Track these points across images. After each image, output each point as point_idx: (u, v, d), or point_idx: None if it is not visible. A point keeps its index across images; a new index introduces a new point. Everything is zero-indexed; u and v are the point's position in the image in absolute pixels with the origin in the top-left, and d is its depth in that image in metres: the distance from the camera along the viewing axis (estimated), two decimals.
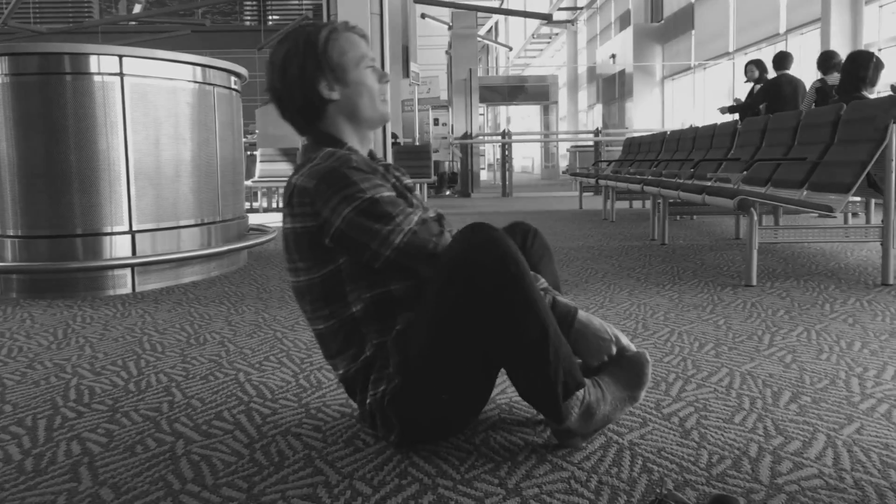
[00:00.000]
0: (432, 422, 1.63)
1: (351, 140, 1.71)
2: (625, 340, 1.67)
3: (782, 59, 8.09)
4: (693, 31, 19.37)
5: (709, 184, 4.89)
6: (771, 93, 8.03)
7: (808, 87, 7.84)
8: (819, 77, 7.17)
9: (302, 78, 1.66)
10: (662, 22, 21.80)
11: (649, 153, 8.41)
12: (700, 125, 8.20)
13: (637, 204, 9.40)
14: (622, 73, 23.26)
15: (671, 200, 5.38)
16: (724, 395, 1.97)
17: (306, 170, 1.61)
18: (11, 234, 3.70)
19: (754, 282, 3.64)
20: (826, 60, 7.11)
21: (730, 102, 9.68)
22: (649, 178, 6.24)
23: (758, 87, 8.53)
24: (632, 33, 22.15)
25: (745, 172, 4.71)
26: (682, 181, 5.30)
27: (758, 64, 8.68)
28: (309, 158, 1.66)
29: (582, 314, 1.64)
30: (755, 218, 3.61)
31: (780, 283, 3.70)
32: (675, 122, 19.84)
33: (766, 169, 4.62)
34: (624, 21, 23.82)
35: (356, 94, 1.69)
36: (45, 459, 1.63)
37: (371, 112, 1.72)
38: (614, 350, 1.65)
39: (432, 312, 1.52)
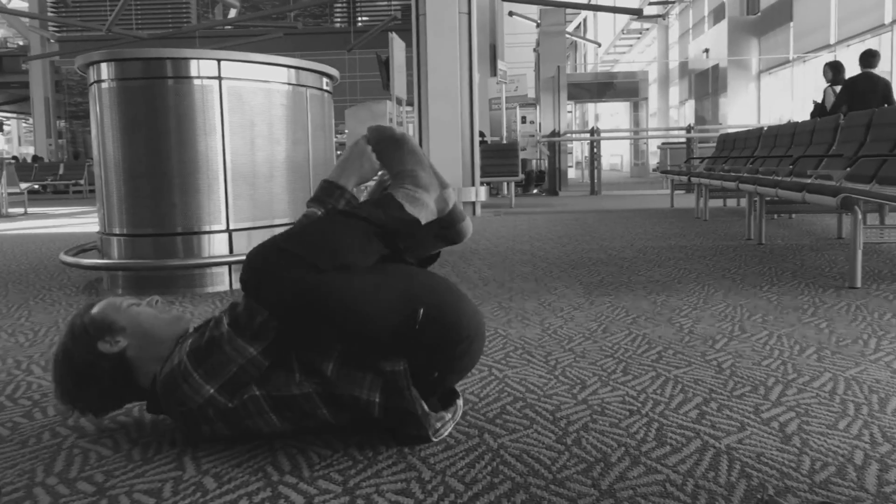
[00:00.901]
0: (456, 339, 1.66)
1: (160, 351, 1.70)
2: (361, 148, 1.81)
3: (865, 57, 7.97)
4: (791, 23, 18.71)
5: (809, 181, 4.71)
6: (849, 91, 7.94)
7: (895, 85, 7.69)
8: None
9: (89, 364, 1.67)
10: (759, 14, 21.14)
11: (745, 150, 8.18)
12: (798, 120, 7.96)
13: (731, 202, 9.15)
14: (716, 67, 22.70)
15: (768, 198, 5.21)
16: (828, 401, 1.90)
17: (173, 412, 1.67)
18: (117, 232, 3.87)
19: (858, 283, 3.49)
20: None
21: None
22: (745, 175, 6.06)
23: (831, 89, 8.50)
24: (726, 26, 21.59)
25: (848, 169, 4.52)
26: (780, 178, 5.13)
27: (832, 66, 8.60)
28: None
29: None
30: (860, 216, 3.46)
31: (886, 285, 3.54)
32: (772, 117, 19.21)
33: (871, 165, 4.43)
34: (718, 14, 23.22)
35: (139, 329, 1.70)
36: (152, 449, 1.70)
37: (163, 329, 1.72)
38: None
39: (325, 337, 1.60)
